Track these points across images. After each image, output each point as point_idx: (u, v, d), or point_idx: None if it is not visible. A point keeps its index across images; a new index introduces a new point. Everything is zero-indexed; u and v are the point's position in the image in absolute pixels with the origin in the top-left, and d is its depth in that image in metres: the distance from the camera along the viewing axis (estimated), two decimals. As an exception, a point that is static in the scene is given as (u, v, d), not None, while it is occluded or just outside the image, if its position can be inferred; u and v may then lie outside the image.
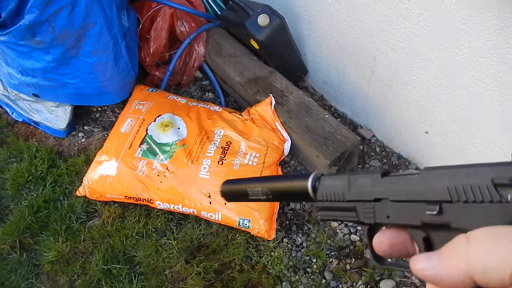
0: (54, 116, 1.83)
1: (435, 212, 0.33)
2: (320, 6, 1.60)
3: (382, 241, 0.38)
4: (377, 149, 1.71)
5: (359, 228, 1.50)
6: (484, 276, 0.26)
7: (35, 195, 1.67)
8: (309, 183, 0.43)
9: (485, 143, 1.30)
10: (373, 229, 0.40)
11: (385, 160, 1.67)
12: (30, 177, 1.72)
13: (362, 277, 1.38)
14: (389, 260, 0.41)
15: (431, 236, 0.35)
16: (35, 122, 1.90)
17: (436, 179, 0.33)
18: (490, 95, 1.19)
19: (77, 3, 1.40)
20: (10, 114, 1.96)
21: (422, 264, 0.31)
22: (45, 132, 1.90)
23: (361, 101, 1.71)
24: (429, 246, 0.35)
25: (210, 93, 1.99)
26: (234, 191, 0.51)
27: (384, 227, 0.39)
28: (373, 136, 1.74)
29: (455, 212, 0.32)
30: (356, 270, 1.39)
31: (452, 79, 1.27)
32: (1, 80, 1.84)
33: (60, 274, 1.48)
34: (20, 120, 1.94)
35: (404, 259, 0.38)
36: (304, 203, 1.58)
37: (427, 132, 1.49)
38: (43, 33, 1.44)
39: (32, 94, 1.74)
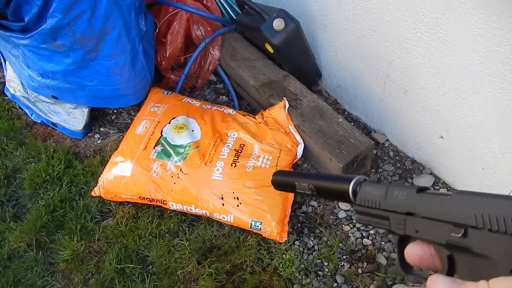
0: (72, 117, 1.87)
1: (459, 235, 0.34)
2: (336, 11, 1.60)
3: (413, 252, 0.40)
4: (391, 154, 1.70)
5: (371, 232, 1.49)
6: None
7: (51, 194, 1.70)
8: (351, 187, 0.46)
9: (502, 148, 1.28)
10: (402, 239, 0.42)
11: (398, 165, 1.66)
12: (47, 177, 1.76)
13: (374, 281, 1.36)
14: (415, 270, 0.43)
15: (455, 256, 0.36)
16: (53, 124, 1.94)
17: (466, 204, 0.35)
18: (508, 100, 1.17)
19: (97, 8, 1.44)
20: (29, 115, 2.01)
21: (440, 286, 0.32)
22: (62, 133, 1.94)
23: (375, 105, 1.70)
24: (452, 265, 0.37)
25: (224, 96, 2.01)
26: (283, 182, 0.54)
27: (415, 240, 0.41)
28: (387, 140, 1.73)
29: (479, 238, 0.33)
30: (368, 274, 1.38)
31: (469, 84, 1.26)
32: (21, 82, 1.90)
33: (74, 272, 1.50)
34: (39, 121, 1.99)
35: (429, 272, 0.39)
36: (316, 206, 1.57)
37: (442, 137, 1.47)
38: (64, 36, 1.48)
39: (51, 96, 1.78)
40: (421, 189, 0.40)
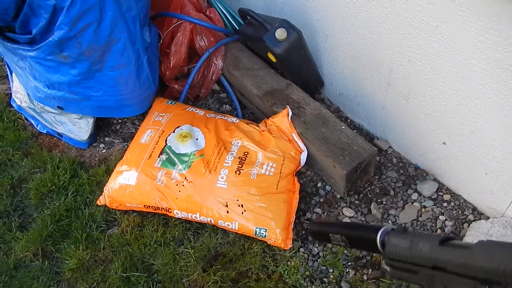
0: (77, 127, 1.89)
1: None
2: (337, 20, 1.63)
3: None
4: (394, 160, 1.71)
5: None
6: None
7: (57, 204, 1.71)
8: (378, 237, 0.45)
9: (505, 154, 1.29)
10: None
11: (402, 171, 1.67)
12: (53, 186, 1.77)
13: (380, 289, 1.36)
14: None
15: None
16: (58, 134, 1.96)
17: (487, 258, 0.34)
18: (509, 106, 1.19)
19: (103, 20, 1.47)
20: (35, 126, 2.03)
21: None
22: (67, 143, 1.96)
23: (377, 113, 1.72)
24: None
25: (227, 105, 2.03)
26: (319, 233, 0.55)
27: None
28: (390, 147, 1.74)
29: None
30: (373, 280, 1.38)
31: (470, 90, 1.27)
32: (27, 94, 1.93)
33: (80, 281, 1.50)
34: (44, 131, 2.01)
35: None
36: (320, 213, 1.58)
37: (444, 143, 1.48)
38: (70, 48, 1.51)
39: (57, 106, 1.81)
40: (444, 240, 0.39)
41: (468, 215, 1.51)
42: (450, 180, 1.57)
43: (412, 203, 1.56)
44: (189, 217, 1.54)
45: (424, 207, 1.54)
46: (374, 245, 0.46)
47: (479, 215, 1.50)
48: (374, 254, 1.44)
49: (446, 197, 1.56)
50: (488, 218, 1.48)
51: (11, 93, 2.10)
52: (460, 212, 1.52)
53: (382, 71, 1.56)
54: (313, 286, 1.40)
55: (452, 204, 1.54)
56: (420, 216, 1.52)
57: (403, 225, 0.40)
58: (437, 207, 1.54)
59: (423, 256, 0.40)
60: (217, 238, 1.53)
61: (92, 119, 1.87)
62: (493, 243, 0.35)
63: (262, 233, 1.45)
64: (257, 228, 1.46)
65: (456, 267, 0.36)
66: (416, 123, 1.55)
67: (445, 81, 1.34)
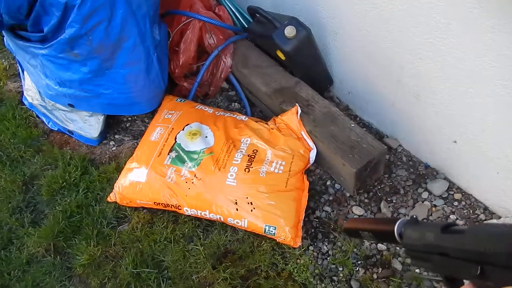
0: (88, 125, 1.91)
1: (478, 273, 0.35)
2: (347, 17, 1.62)
3: None
4: (404, 159, 1.70)
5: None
6: None
7: (68, 200, 1.73)
8: (396, 230, 0.48)
9: (517, 152, 1.28)
10: (449, 280, 0.43)
11: (412, 170, 1.66)
12: (64, 183, 1.79)
13: (390, 287, 1.36)
14: None
15: None
16: (69, 131, 1.99)
17: (477, 241, 0.36)
18: (521, 104, 1.18)
19: (113, 18, 1.48)
20: (46, 123, 2.06)
21: None
22: (78, 141, 1.98)
23: (387, 111, 1.71)
24: None
25: (236, 103, 2.03)
26: (351, 230, 0.58)
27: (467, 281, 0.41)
28: (400, 145, 1.73)
29: (496, 274, 0.33)
30: (383, 279, 1.38)
31: (481, 88, 1.26)
32: (39, 91, 1.95)
33: (91, 277, 1.52)
34: (55, 129, 2.03)
35: None
36: (329, 211, 1.58)
37: (455, 142, 1.47)
38: (81, 46, 1.52)
39: (68, 104, 1.83)
40: (445, 227, 0.41)
41: (479, 215, 1.49)
42: (461, 179, 1.56)
43: (423, 202, 1.55)
44: (199, 214, 1.55)
45: (435, 206, 1.54)
46: (394, 237, 0.48)
47: (491, 214, 1.49)
48: (384, 253, 1.44)
49: (457, 196, 1.55)
50: (499, 217, 1.46)
51: (22, 91, 2.13)
52: (471, 211, 1.51)
53: (392, 68, 1.55)
54: (323, 285, 1.40)
55: (463, 203, 1.53)
56: (431, 215, 1.51)
57: (414, 216, 0.42)
58: (448, 206, 1.53)
59: (430, 244, 0.42)
60: (227, 236, 1.54)
61: (103, 117, 1.88)
62: (482, 228, 0.36)
63: (272, 231, 1.46)
64: (266, 226, 1.46)
65: (456, 252, 0.38)
66: (427, 121, 1.54)
67: (456, 79, 1.33)
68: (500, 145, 1.32)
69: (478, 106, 1.31)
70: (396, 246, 1.41)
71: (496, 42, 1.14)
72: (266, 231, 1.47)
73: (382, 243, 1.45)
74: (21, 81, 2.16)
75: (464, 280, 0.40)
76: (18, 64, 2.11)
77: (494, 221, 1.43)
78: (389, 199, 1.59)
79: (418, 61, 1.42)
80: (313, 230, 1.54)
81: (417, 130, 1.62)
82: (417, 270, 1.39)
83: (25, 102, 2.12)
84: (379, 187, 1.62)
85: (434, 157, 1.62)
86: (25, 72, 2.01)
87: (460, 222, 1.48)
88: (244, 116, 1.79)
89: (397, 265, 1.41)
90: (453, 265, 0.39)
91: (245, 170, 1.54)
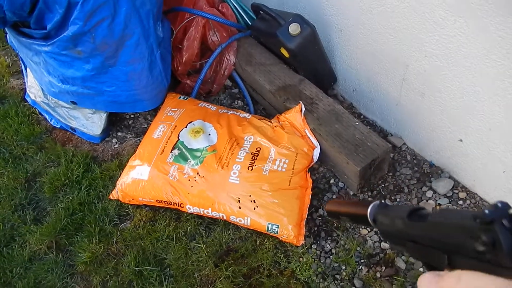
0: (90, 122, 1.90)
1: (446, 263, 0.34)
2: (351, 15, 1.61)
3: None
4: (408, 157, 1.68)
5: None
6: None
7: (71, 198, 1.73)
8: (369, 216, 0.46)
9: (524, 151, 1.26)
10: (428, 265, 0.41)
11: (416, 168, 1.64)
12: (67, 180, 1.79)
13: (393, 286, 1.35)
14: None
15: None
16: (72, 128, 1.98)
17: (437, 229, 0.35)
18: (529, 102, 1.16)
19: (117, 15, 1.47)
20: (49, 120, 2.05)
21: (425, 281, 0.34)
22: (81, 138, 1.98)
23: (391, 109, 1.69)
24: None
25: (239, 101, 2.02)
26: (331, 213, 0.57)
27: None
28: (404, 144, 1.72)
29: (462, 264, 0.33)
30: (386, 278, 1.37)
31: (489, 86, 1.25)
32: (42, 89, 1.94)
33: (93, 274, 1.52)
34: (58, 126, 2.03)
35: None
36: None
37: (461, 140, 1.46)
38: (84, 43, 1.51)
39: (71, 101, 1.82)
40: (411, 213, 0.39)
41: (484, 214, 1.48)
42: (466, 178, 1.54)
43: (427, 201, 1.54)
44: (201, 212, 1.54)
45: (439, 204, 1.52)
46: (368, 221, 0.47)
47: (496, 213, 1.47)
48: (387, 252, 1.43)
49: (462, 195, 1.53)
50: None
51: (25, 88, 2.13)
52: (476, 210, 1.49)
53: (397, 66, 1.54)
54: (326, 283, 1.39)
55: (468, 202, 1.52)
56: (435, 214, 1.50)
57: (384, 201, 0.41)
58: (452, 205, 1.52)
59: (400, 231, 0.40)
60: (229, 234, 1.53)
61: (105, 114, 1.88)
62: (442, 215, 0.35)
63: (274, 229, 1.45)
64: (269, 224, 1.45)
65: (423, 240, 0.37)
66: (432, 119, 1.53)
67: (463, 77, 1.31)
68: (507, 144, 1.30)
69: (485, 105, 1.29)
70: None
71: (504, 40, 1.12)
72: (269, 229, 1.46)
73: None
74: (24, 78, 2.16)
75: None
76: (21, 61, 2.10)
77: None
78: (393, 197, 1.58)
79: (424, 59, 1.41)
80: (316, 229, 1.53)
81: (421, 129, 1.60)
82: (421, 269, 1.38)
83: (28, 99, 2.12)
84: (383, 185, 1.61)
85: (438, 155, 1.60)
86: (28, 69, 2.00)
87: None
88: (247, 114, 1.78)
89: (400, 264, 1.40)
90: (424, 252, 0.38)
91: (248, 168, 1.53)
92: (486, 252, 0.29)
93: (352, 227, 1.51)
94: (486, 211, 0.29)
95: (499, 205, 0.30)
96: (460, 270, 0.32)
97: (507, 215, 0.29)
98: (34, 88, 2.02)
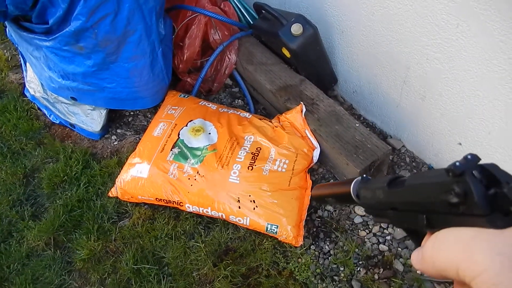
0: (90, 119, 1.90)
1: (425, 223, 0.35)
2: (353, 16, 1.61)
3: None
4: (407, 160, 1.69)
5: (388, 238, 1.48)
6: (445, 272, 0.31)
7: (69, 194, 1.72)
8: (352, 192, 0.47)
9: (523, 156, 1.27)
10: (410, 231, 0.42)
11: (415, 171, 1.65)
12: (65, 177, 1.78)
13: (392, 288, 1.36)
14: None
15: None
16: (71, 125, 1.97)
17: (414, 192, 0.36)
18: (529, 107, 1.17)
19: (120, 11, 1.46)
20: (48, 116, 2.04)
21: (413, 257, 0.35)
22: (80, 134, 1.97)
23: (392, 111, 1.70)
24: None
25: (239, 100, 2.02)
26: (317, 197, 0.58)
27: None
28: (403, 146, 1.73)
29: (440, 222, 0.33)
30: (384, 280, 1.38)
31: (489, 90, 1.25)
32: (41, 84, 1.93)
33: (91, 272, 1.52)
34: (57, 122, 2.02)
35: None
36: (331, 211, 1.57)
37: (460, 144, 1.47)
38: (86, 39, 1.51)
39: (71, 97, 1.81)
40: (390, 182, 0.41)
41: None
42: (464, 181, 1.55)
43: (425, 203, 1.55)
44: (201, 211, 1.54)
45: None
46: (352, 198, 0.48)
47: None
48: (385, 254, 1.43)
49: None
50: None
51: (24, 83, 2.11)
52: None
53: (398, 69, 1.54)
54: (324, 284, 1.39)
55: (466, 205, 1.53)
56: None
57: (365, 175, 0.42)
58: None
59: (381, 201, 0.42)
60: (228, 233, 1.54)
61: (105, 111, 1.87)
62: (418, 177, 0.36)
63: (273, 230, 1.45)
64: (268, 224, 1.45)
65: (402, 205, 0.39)
66: (432, 122, 1.54)
67: (464, 81, 1.32)
68: (506, 148, 1.31)
69: (485, 109, 1.30)
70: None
71: (506, 45, 1.13)
72: (268, 229, 1.46)
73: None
74: (23, 73, 2.14)
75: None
76: (20, 55, 2.09)
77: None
78: (392, 200, 1.58)
79: (425, 62, 1.41)
80: (315, 230, 1.53)
81: (421, 131, 1.61)
82: (419, 272, 1.39)
83: (27, 94, 2.11)
84: (382, 187, 1.62)
85: (438, 158, 1.61)
86: (27, 64, 1.99)
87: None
88: (247, 113, 1.78)
89: (398, 266, 1.41)
90: (404, 217, 0.39)
91: (248, 168, 1.53)
92: (459, 203, 0.30)
93: (350, 228, 1.52)
94: (457, 163, 0.30)
95: (469, 157, 0.31)
96: (438, 230, 0.33)
97: (477, 166, 0.30)
98: (33, 83, 2.01)
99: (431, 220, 0.35)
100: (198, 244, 1.52)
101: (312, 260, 1.45)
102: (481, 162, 0.31)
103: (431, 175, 0.34)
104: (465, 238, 0.30)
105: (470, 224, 0.30)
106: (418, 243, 0.40)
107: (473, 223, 0.30)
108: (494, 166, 0.31)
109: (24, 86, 2.13)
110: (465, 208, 0.30)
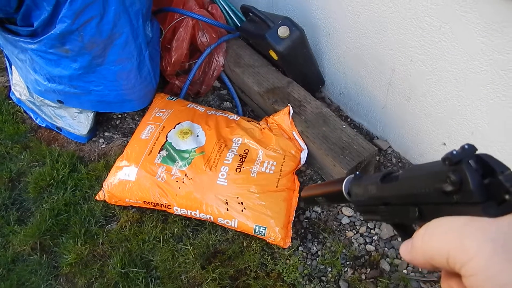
0: (77, 122, 1.88)
1: (416, 215, 0.36)
2: (340, 19, 1.63)
3: None
4: (393, 160, 1.71)
5: (375, 238, 1.49)
6: (435, 261, 0.31)
7: (56, 198, 1.71)
8: (343, 190, 0.48)
9: (505, 155, 1.30)
10: (398, 226, 0.43)
11: (401, 171, 1.67)
12: (52, 180, 1.77)
13: (378, 287, 1.37)
14: None
15: None
16: (58, 128, 1.95)
17: (409, 185, 0.36)
18: (511, 108, 1.19)
19: (106, 14, 1.46)
20: (34, 119, 2.02)
21: (402, 249, 0.35)
22: (67, 138, 1.95)
23: (378, 112, 1.72)
24: None
25: (227, 102, 2.03)
26: (307, 198, 0.58)
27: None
28: (390, 147, 1.75)
29: (432, 213, 0.34)
30: (371, 280, 1.39)
31: (472, 91, 1.28)
32: (27, 87, 1.91)
33: (78, 276, 1.50)
34: (44, 125, 2.00)
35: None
36: (319, 212, 1.58)
37: (444, 144, 1.49)
38: (72, 42, 1.50)
39: (57, 100, 1.80)
40: (383, 177, 0.41)
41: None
42: (449, 181, 1.57)
43: (411, 203, 1.56)
44: (189, 214, 1.54)
45: (423, 207, 1.55)
46: (344, 197, 0.48)
47: (478, 216, 1.51)
48: (372, 254, 1.45)
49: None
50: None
51: (10, 86, 2.09)
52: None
53: (384, 70, 1.56)
54: (312, 285, 1.40)
55: (451, 204, 1.55)
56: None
57: (357, 172, 0.43)
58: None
59: (374, 196, 0.42)
60: (216, 236, 1.53)
61: (92, 114, 1.86)
62: (413, 168, 0.37)
63: (262, 231, 1.45)
64: (256, 226, 1.46)
65: (395, 199, 0.39)
66: (417, 123, 1.56)
67: (447, 82, 1.34)
68: (488, 148, 1.33)
69: (468, 109, 1.32)
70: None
71: (487, 46, 1.15)
72: (256, 231, 1.46)
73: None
74: (8, 76, 2.12)
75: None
76: (5, 58, 2.07)
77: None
78: (379, 200, 1.60)
79: (410, 64, 1.43)
80: (303, 231, 1.54)
81: (407, 132, 1.63)
82: (405, 271, 1.40)
83: (13, 97, 2.08)
84: (369, 188, 1.63)
85: (423, 158, 1.63)
86: (13, 67, 1.97)
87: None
88: (235, 116, 1.78)
89: (385, 265, 1.42)
90: (396, 212, 0.39)
91: (236, 170, 1.54)
92: (454, 192, 0.31)
93: (338, 229, 1.53)
94: (454, 151, 0.31)
95: (466, 146, 0.31)
96: (429, 221, 0.33)
97: (473, 156, 0.31)
98: (19, 86, 1.99)
99: (423, 212, 0.35)
100: (187, 247, 1.52)
101: (300, 261, 1.46)
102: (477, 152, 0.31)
103: (427, 166, 0.35)
104: (457, 225, 0.30)
105: (463, 213, 0.30)
106: (405, 238, 0.40)
107: (466, 212, 0.30)
108: (489, 156, 0.31)
109: (10, 89, 2.10)
110: (460, 197, 0.31)
